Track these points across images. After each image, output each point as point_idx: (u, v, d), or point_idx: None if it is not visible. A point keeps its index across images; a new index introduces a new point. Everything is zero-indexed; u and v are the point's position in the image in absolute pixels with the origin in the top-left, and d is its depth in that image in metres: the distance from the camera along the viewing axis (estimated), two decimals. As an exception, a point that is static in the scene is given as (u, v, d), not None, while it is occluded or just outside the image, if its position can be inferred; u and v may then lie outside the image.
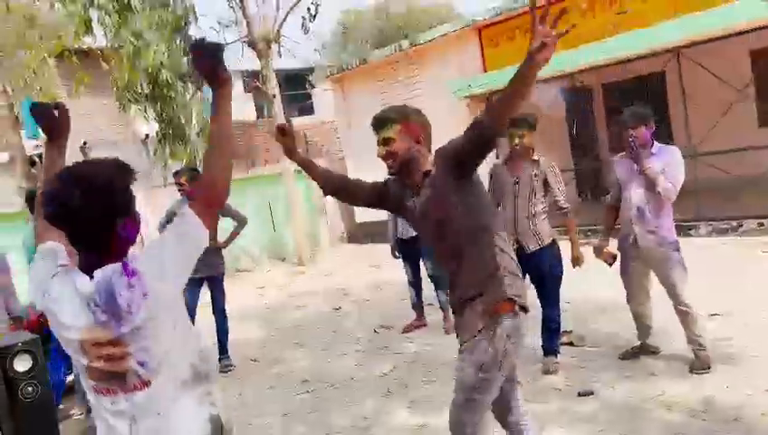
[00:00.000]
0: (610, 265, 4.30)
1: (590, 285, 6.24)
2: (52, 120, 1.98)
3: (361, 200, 2.89)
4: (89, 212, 1.58)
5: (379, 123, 2.55)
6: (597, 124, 12.42)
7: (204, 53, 1.75)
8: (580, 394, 3.90)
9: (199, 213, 1.67)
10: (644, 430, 3.35)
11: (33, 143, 11.41)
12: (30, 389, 2.62)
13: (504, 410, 2.70)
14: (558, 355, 4.42)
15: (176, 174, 5.74)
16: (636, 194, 4.06)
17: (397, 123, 2.51)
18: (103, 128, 13.31)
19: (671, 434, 3.27)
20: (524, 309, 2.48)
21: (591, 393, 3.89)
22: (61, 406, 4.73)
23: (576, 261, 4.34)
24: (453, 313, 2.61)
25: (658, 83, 10.54)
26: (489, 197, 4.36)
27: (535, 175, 4.24)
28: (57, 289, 1.65)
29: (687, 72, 8.61)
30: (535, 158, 4.27)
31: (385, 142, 2.52)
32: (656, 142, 4.09)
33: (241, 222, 5.84)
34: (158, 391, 1.66)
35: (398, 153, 2.50)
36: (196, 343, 1.79)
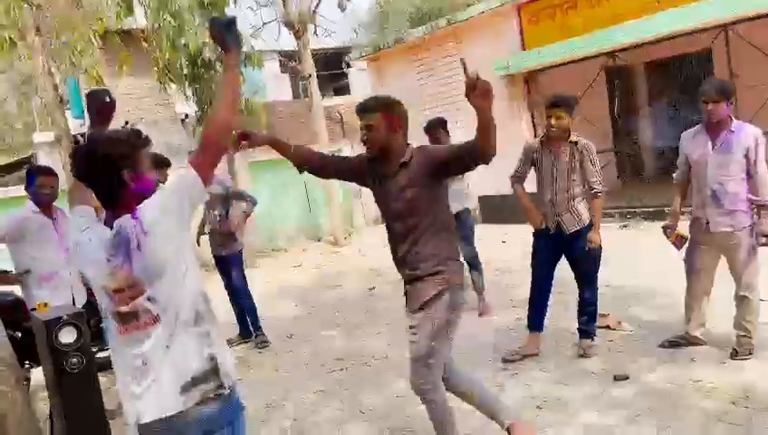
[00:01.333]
0: (679, 248, 4.14)
1: (629, 268, 6.14)
2: (102, 107, 2.30)
3: (331, 173, 3.16)
4: (93, 166, 1.87)
5: (362, 110, 2.84)
6: (639, 104, 12.10)
7: (216, 25, 2.04)
8: (615, 378, 3.85)
9: (194, 159, 1.93)
10: (682, 417, 3.30)
11: (78, 123, 11.71)
12: (75, 360, 2.72)
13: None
14: (594, 338, 4.37)
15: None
16: (710, 175, 3.87)
17: (377, 112, 2.81)
18: (144, 108, 13.55)
19: (710, 421, 3.21)
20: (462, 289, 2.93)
21: (627, 378, 3.84)
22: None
23: (592, 242, 4.16)
24: (405, 283, 3.01)
25: (704, 61, 10.19)
26: (516, 167, 4.38)
27: (573, 156, 4.16)
28: (85, 241, 1.92)
29: (735, 49, 8.29)
30: (573, 139, 4.18)
31: (366, 128, 2.82)
32: (733, 119, 3.86)
33: (251, 202, 5.85)
34: (165, 327, 1.87)
35: (377, 139, 2.81)
36: (200, 286, 1.97)
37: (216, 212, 5.68)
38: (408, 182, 2.79)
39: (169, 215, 1.88)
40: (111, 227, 1.88)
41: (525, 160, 4.38)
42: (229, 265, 5.80)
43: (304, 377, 4.81)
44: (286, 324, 6.37)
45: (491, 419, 3.14)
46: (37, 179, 4.06)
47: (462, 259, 3.11)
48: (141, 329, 1.87)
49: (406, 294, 3.00)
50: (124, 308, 1.87)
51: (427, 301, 2.85)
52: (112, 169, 1.87)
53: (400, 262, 2.99)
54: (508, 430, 3.07)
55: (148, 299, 1.86)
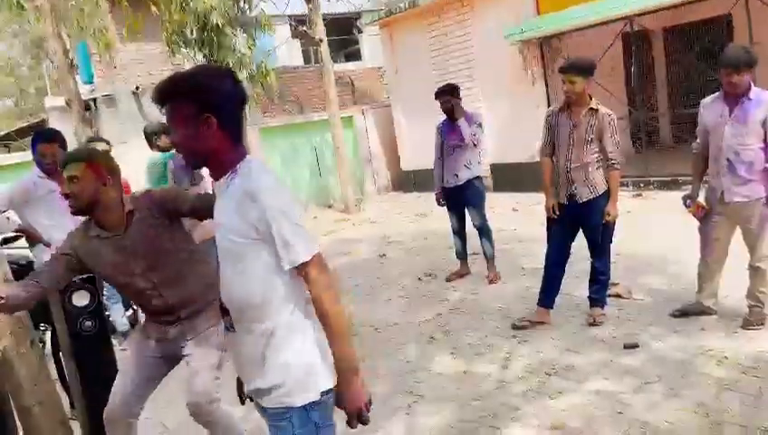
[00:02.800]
0: (699, 219, 4.06)
1: (642, 237, 6.10)
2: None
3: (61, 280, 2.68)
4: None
5: (65, 162, 2.59)
6: (656, 70, 11.87)
7: None
8: (625, 346, 3.86)
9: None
10: (691, 385, 3.30)
11: (89, 88, 11.67)
12: (89, 323, 2.75)
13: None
14: (605, 307, 4.36)
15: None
16: (726, 144, 3.79)
17: (82, 162, 2.54)
18: (155, 73, 13.46)
19: (720, 390, 3.21)
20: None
21: (637, 346, 3.84)
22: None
23: (609, 215, 4.12)
24: (168, 325, 2.69)
25: (724, 28, 9.93)
26: (544, 141, 4.28)
27: (591, 124, 4.08)
28: None
29: (756, 15, 8.06)
30: (594, 106, 4.09)
31: (69, 180, 2.54)
32: (752, 86, 3.73)
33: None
34: None
35: (83, 194, 2.54)
36: None
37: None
38: (146, 229, 2.61)
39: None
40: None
41: (547, 129, 4.30)
42: None
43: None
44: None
45: None
46: (38, 147, 3.98)
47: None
48: None
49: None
50: None
51: (206, 328, 2.70)
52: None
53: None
54: None
55: None
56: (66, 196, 2.53)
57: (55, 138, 4.04)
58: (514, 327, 4.41)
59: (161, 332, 2.67)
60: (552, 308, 4.43)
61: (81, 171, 2.50)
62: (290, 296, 1.75)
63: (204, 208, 2.53)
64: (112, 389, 2.56)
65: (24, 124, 16.28)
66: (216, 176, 1.78)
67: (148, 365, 2.64)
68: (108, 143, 5.38)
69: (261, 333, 1.76)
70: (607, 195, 4.16)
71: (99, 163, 2.55)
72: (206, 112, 1.68)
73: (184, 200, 2.63)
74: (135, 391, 2.61)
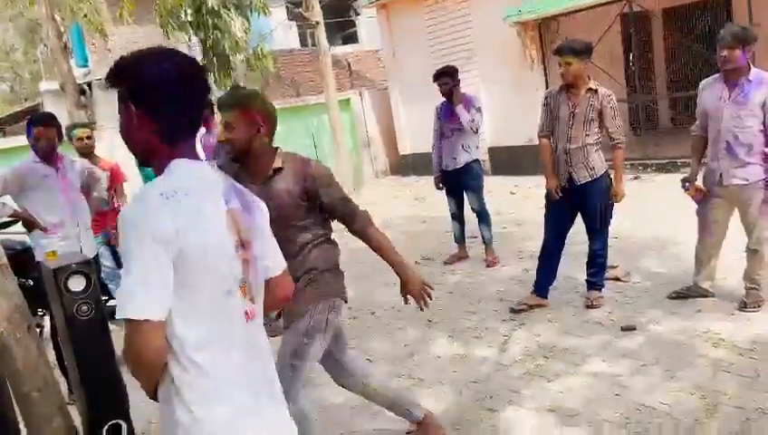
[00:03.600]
0: (698, 202, 4.05)
1: (640, 220, 6.09)
2: None
3: None
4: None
5: (220, 107, 2.48)
6: (655, 52, 11.79)
7: None
8: (623, 329, 3.87)
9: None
10: (689, 367, 3.31)
11: (83, 71, 11.58)
12: (85, 307, 2.73)
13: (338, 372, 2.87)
14: (602, 290, 4.37)
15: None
16: (725, 126, 3.76)
17: (236, 109, 2.42)
18: (150, 56, 13.35)
19: (717, 371, 3.22)
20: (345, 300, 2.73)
21: (634, 328, 3.85)
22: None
23: (616, 197, 4.14)
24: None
25: (723, 9, 9.86)
26: (542, 122, 4.24)
27: (591, 105, 4.05)
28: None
29: (758, -5, 8.00)
30: (593, 87, 4.06)
31: (226, 127, 2.44)
32: (753, 68, 3.72)
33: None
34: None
35: (237, 140, 2.44)
36: None
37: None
38: (284, 192, 2.48)
39: None
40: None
41: (546, 111, 4.26)
42: None
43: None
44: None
45: (399, 415, 2.94)
46: (33, 130, 3.93)
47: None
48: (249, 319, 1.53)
49: None
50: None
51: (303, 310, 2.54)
52: None
53: None
54: (419, 424, 2.91)
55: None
56: (221, 142, 2.50)
57: (51, 122, 3.99)
58: (512, 311, 4.41)
59: None
60: (546, 298, 4.43)
61: (235, 118, 2.41)
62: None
63: (342, 213, 2.58)
64: None
65: (19, 109, 16.18)
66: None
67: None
68: (91, 128, 5.34)
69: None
70: (606, 177, 4.14)
71: (252, 109, 2.42)
72: (129, 101, 1.43)
73: (330, 193, 2.52)
74: None
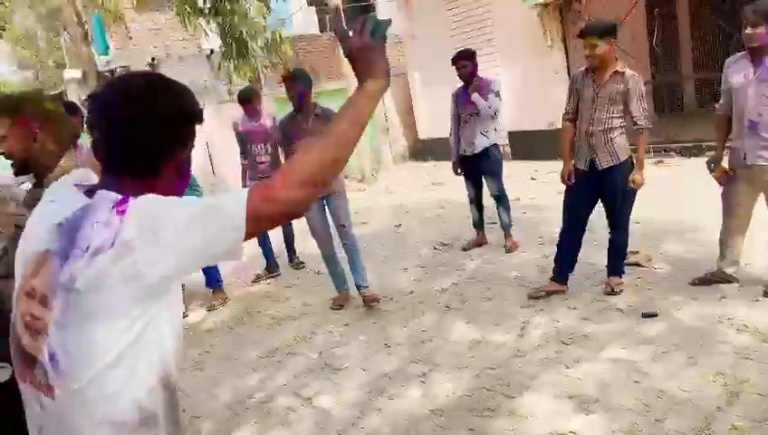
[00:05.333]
0: (723, 184, 3.96)
1: (662, 204, 5.99)
2: None
3: None
4: (152, 108, 1.25)
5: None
6: (680, 32, 11.53)
7: (373, 26, 1.30)
8: (643, 315, 3.82)
9: (251, 202, 1.12)
10: (710, 353, 3.26)
11: (105, 59, 11.68)
12: None
13: None
14: (623, 276, 4.31)
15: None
16: (750, 104, 3.67)
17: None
18: (170, 43, 13.42)
19: (739, 358, 3.17)
20: None
21: (656, 315, 3.80)
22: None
23: (634, 183, 4.02)
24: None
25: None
26: (568, 104, 4.16)
27: (617, 88, 3.96)
28: (42, 211, 1.33)
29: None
30: (620, 69, 3.97)
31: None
32: None
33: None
34: (69, 412, 1.15)
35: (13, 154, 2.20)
36: (161, 368, 1.20)
37: (262, 145, 5.77)
38: None
39: (171, 256, 1.11)
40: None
41: (571, 94, 4.19)
42: None
43: (332, 311, 4.88)
44: (314, 261, 6.43)
45: None
46: None
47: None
48: (37, 389, 1.19)
49: None
50: (24, 336, 1.19)
51: None
52: (178, 125, 1.27)
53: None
54: None
55: (49, 353, 1.14)
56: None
57: (73, 109, 4.05)
58: (531, 297, 4.38)
59: None
60: (565, 284, 4.39)
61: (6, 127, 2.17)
62: None
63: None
64: None
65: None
66: None
67: None
68: None
69: None
70: (629, 162, 4.06)
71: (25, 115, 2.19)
72: None
73: None
74: None
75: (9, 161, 2.22)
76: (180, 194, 1.30)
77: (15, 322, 1.22)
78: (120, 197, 1.15)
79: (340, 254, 4.94)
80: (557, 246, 4.39)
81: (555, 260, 4.40)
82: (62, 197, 1.26)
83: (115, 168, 1.24)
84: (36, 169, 2.21)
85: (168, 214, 1.12)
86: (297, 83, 4.71)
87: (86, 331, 1.11)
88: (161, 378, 1.19)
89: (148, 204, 1.14)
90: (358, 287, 4.84)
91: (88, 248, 1.11)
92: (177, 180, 1.30)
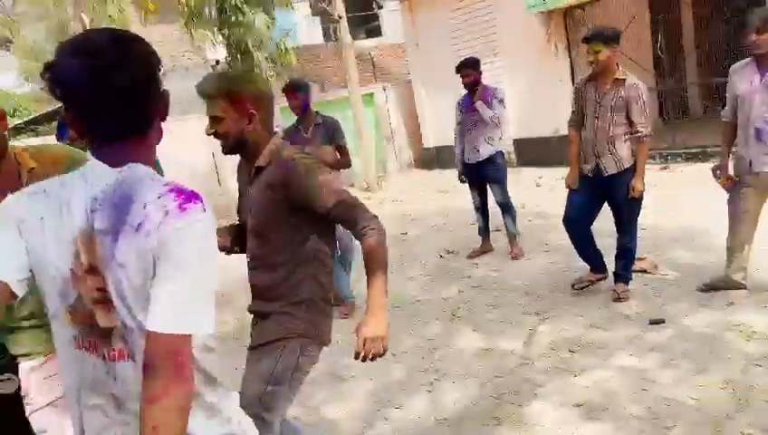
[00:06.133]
0: (729, 190, 3.95)
1: (669, 210, 5.97)
2: None
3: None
4: (125, 60, 1.22)
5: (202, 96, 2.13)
6: (685, 38, 11.53)
7: None
8: (651, 322, 3.80)
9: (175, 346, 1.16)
10: (719, 361, 3.24)
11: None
12: None
13: None
14: (630, 282, 4.29)
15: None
16: (755, 112, 3.66)
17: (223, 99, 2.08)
18: (175, 54, 13.52)
19: (748, 365, 3.14)
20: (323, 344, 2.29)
21: (663, 322, 3.77)
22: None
23: (634, 190, 4.00)
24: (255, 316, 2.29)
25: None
26: (573, 111, 4.18)
27: (619, 96, 3.96)
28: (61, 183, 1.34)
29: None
30: (621, 76, 3.97)
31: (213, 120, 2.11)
32: None
33: None
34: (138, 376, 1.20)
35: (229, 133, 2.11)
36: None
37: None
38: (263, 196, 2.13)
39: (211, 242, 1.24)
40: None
41: (575, 101, 4.21)
42: None
43: (337, 321, 4.85)
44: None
45: None
46: (69, 131, 4.04)
47: None
48: (111, 359, 1.28)
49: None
50: (99, 316, 1.26)
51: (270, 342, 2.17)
52: (152, 78, 1.26)
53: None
54: None
55: (122, 324, 1.24)
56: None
57: None
58: (574, 288, 4.44)
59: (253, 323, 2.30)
60: (603, 272, 4.40)
61: (223, 108, 2.09)
62: None
63: (342, 220, 2.13)
64: None
65: (51, 109, 16.51)
66: None
67: None
68: None
69: None
70: (634, 169, 4.06)
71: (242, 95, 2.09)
72: None
73: (319, 201, 2.07)
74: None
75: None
76: (160, 140, 1.34)
77: (78, 302, 1.26)
78: (169, 183, 1.23)
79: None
80: (575, 247, 4.44)
81: (582, 257, 4.45)
82: (82, 172, 1.28)
83: (109, 135, 1.25)
84: (246, 149, 2.16)
85: (184, 253, 1.18)
86: (298, 93, 4.72)
87: (135, 302, 1.21)
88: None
89: (193, 232, 1.19)
90: (345, 298, 4.84)
91: (139, 226, 1.17)
92: (160, 127, 1.33)
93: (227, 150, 2.17)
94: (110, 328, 1.24)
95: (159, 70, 1.29)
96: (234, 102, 2.06)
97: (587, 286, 4.42)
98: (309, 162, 2.11)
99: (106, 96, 1.19)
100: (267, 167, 2.11)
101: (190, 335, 1.17)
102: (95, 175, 1.25)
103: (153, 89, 1.26)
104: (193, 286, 1.18)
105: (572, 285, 4.46)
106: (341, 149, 4.74)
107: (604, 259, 4.41)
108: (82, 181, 1.26)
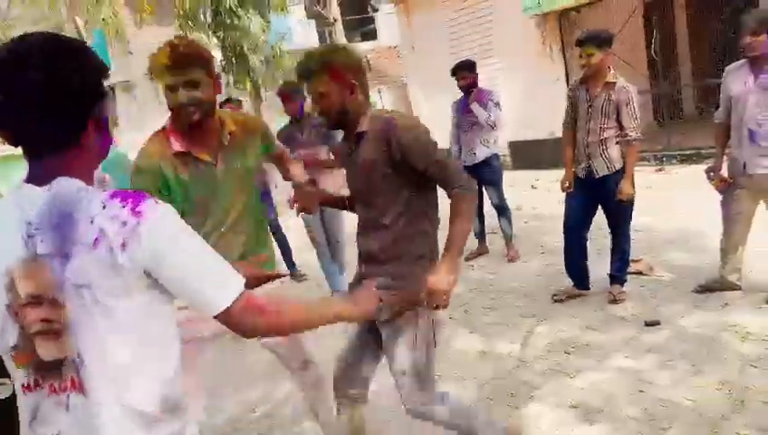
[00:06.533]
0: (722, 192, 3.97)
1: (664, 212, 5.99)
2: None
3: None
4: (53, 71, 1.13)
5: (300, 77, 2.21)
6: (679, 40, 11.58)
7: None
8: (646, 324, 3.81)
9: (237, 304, 1.23)
10: (714, 361, 3.25)
11: (106, 75, 11.76)
12: None
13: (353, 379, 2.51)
14: (625, 284, 4.30)
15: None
16: (749, 113, 3.68)
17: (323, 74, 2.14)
18: (171, 58, 13.49)
19: (744, 366, 3.15)
20: None
21: (659, 323, 3.78)
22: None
23: (621, 194, 3.99)
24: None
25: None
26: (566, 114, 4.19)
27: (608, 98, 3.98)
28: None
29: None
30: (611, 80, 3.99)
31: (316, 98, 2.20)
32: None
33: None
34: (97, 407, 1.17)
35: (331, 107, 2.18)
36: (173, 361, 1.26)
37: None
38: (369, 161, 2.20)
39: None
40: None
41: (569, 102, 4.23)
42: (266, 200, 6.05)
43: (333, 327, 4.86)
44: (315, 278, 6.42)
45: None
46: None
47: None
48: (62, 391, 1.18)
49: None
50: (42, 342, 1.15)
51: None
52: (89, 90, 1.18)
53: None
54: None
55: (76, 350, 1.16)
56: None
57: None
58: (554, 299, 4.42)
59: None
60: (587, 289, 4.39)
61: (324, 84, 2.16)
62: None
63: (437, 179, 2.18)
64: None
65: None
66: None
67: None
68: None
69: None
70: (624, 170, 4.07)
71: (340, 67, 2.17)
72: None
73: (420, 157, 2.14)
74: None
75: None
76: (105, 152, 1.28)
77: (20, 340, 1.17)
78: (114, 193, 1.16)
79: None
80: (564, 254, 4.39)
81: (567, 269, 4.41)
82: (12, 197, 1.19)
83: (34, 149, 1.18)
84: (348, 120, 2.21)
85: (176, 248, 1.18)
86: (296, 96, 4.72)
87: (104, 321, 1.14)
88: (176, 361, 1.26)
89: (164, 228, 1.17)
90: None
91: (96, 242, 1.12)
92: (99, 140, 1.24)
93: (331, 125, 2.26)
94: (59, 359, 1.16)
95: (98, 76, 1.20)
96: (335, 76, 2.13)
97: (566, 299, 4.39)
98: (409, 120, 2.19)
99: (23, 104, 1.12)
100: (369, 131, 2.18)
101: (243, 292, 1.23)
102: (25, 197, 1.17)
103: (75, 97, 1.16)
104: (207, 262, 1.22)
105: (553, 296, 4.45)
106: (336, 152, 4.77)
107: (597, 263, 4.42)
108: (13, 207, 1.17)
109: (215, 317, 1.22)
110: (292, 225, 6.14)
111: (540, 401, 3.15)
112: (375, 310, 1.54)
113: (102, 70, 1.22)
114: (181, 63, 2.11)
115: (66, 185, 1.16)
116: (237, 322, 1.24)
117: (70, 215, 1.13)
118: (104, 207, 1.14)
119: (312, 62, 2.14)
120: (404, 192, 2.19)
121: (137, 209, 1.14)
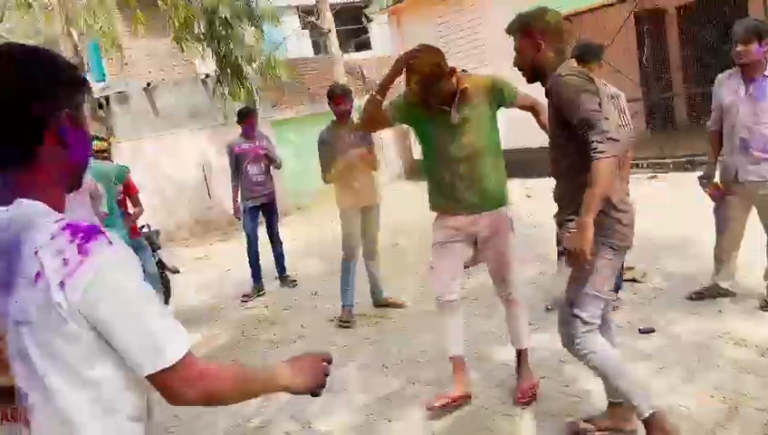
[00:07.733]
0: (716, 199, 4.00)
1: (657, 220, 6.02)
2: None
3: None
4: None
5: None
6: (670, 49, 11.67)
7: None
8: (641, 331, 3.82)
9: (169, 374, 1.09)
10: (709, 368, 3.26)
11: (100, 85, 11.75)
12: None
13: None
14: (619, 292, 4.31)
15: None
16: (740, 121, 3.72)
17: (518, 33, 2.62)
18: (165, 68, 13.52)
19: (738, 372, 3.16)
20: None
21: (653, 331, 3.80)
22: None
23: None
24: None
25: (741, 5, 9.73)
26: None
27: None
28: None
29: (774, -11, 7.89)
30: None
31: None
32: None
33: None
34: None
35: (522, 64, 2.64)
36: (130, 409, 1.15)
37: (259, 165, 6.09)
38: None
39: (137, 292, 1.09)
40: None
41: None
42: (270, 212, 6.28)
43: (329, 333, 4.86)
44: (311, 282, 6.42)
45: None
46: None
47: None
48: (16, 421, 1.13)
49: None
50: None
51: None
52: (40, 99, 1.09)
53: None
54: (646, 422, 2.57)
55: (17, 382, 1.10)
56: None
57: None
58: (548, 309, 4.40)
59: None
60: None
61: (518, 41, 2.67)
62: None
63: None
64: None
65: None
66: None
67: None
68: (108, 141, 5.79)
69: None
70: None
71: (531, 28, 2.64)
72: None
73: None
74: None
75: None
76: (78, 165, 1.18)
77: None
78: (63, 219, 1.07)
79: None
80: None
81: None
82: None
83: None
84: (542, 75, 2.55)
85: (114, 299, 1.05)
86: (347, 99, 5.06)
87: (45, 362, 1.05)
88: (131, 406, 1.14)
89: (107, 274, 1.05)
90: (380, 299, 5.20)
91: (37, 277, 1.02)
92: (63, 154, 1.13)
93: (528, 79, 2.65)
94: (10, 386, 1.09)
95: (53, 84, 1.11)
96: (525, 36, 2.57)
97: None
98: (572, 78, 2.39)
99: None
100: (551, 86, 2.46)
101: (181, 358, 1.09)
102: None
103: (16, 108, 1.07)
104: (145, 322, 1.07)
105: (546, 306, 4.46)
106: (371, 151, 5.25)
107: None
108: None
109: (146, 378, 1.10)
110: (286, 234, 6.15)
111: (535, 410, 3.15)
112: (318, 386, 1.36)
113: (63, 77, 1.12)
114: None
115: (24, 208, 1.08)
116: (165, 388, 1.10)
117: (17, 242, 1.04)
118: (52, 238, 1.04)
119: (515, 22, 2.61)
120: (571, 143, 2.45)
121: (85, 246, 1.03)
